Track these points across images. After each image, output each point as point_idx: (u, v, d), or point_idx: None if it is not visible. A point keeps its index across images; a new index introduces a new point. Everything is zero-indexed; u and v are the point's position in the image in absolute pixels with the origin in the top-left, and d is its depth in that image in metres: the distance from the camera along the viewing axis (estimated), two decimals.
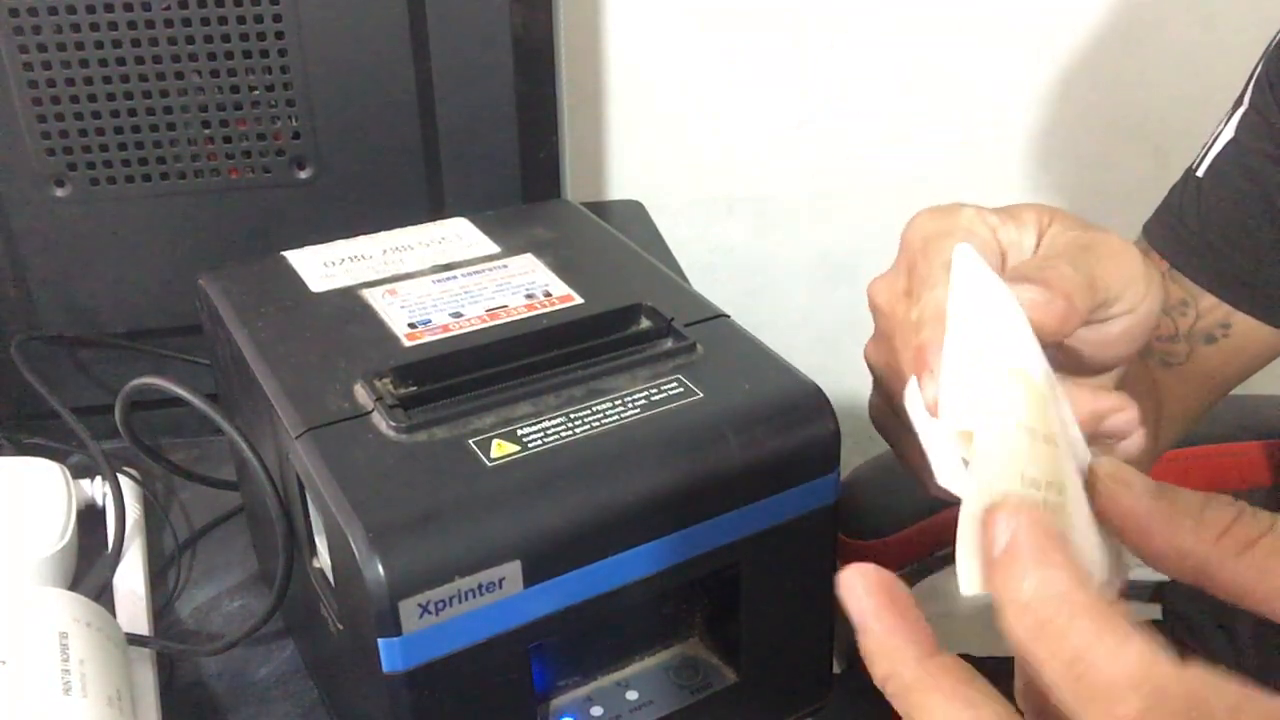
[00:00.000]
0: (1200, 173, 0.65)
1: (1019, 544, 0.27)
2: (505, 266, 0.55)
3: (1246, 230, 0.63)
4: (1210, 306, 0.64)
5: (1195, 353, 0.65)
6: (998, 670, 0.40)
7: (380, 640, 0.38)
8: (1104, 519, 0.31)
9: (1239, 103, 0.65)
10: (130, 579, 0.59)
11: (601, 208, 1.03)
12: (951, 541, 0.31)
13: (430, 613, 0.38)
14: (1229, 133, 0.64)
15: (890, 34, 1.04)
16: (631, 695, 0.47)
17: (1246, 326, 0.64)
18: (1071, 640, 0.25)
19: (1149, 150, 1.13)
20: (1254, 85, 0.64)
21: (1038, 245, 0.39)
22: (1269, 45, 0.64)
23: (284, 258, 0.56)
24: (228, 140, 0.67)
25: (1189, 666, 0.25)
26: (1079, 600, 0.26)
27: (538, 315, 0.50)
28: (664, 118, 1.05)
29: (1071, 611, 0.26)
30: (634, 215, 1.00)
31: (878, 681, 0.29)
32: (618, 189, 1.08)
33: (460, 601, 0.39)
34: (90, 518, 0.63)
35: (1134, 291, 0.38)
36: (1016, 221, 0.39)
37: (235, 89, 0.65)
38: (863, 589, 0.29)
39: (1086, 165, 1.14)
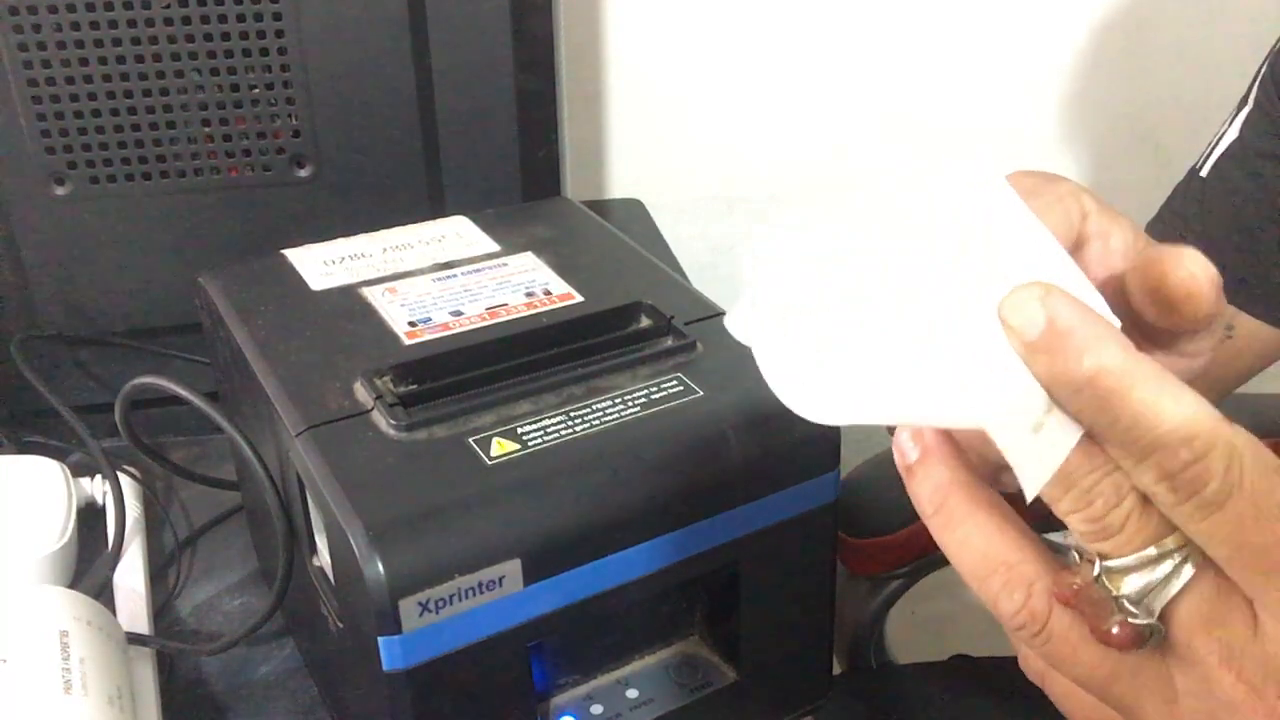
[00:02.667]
0: (1204, 173, 0.65)
1: (1065, 320, 0.26)
2: (505, 265, 0.55)
3: (1250, 231, 0.62)
4: None
5: None
6: (998, 670, 0.40)
7: (380, 638, 0.38)
8: None
9: (1243, 102, 0.65)
10: (130, 577, 0.59)
11: (601, 206, 1.03)
12: None
13: (430, 611, 0.38)
14: (1233, 133, 0.64)
15: (891, 33, 1.04)
16: (631, 693, 0.47)
17: (1251, 327, 0.64)
18: (1134, 402, 0.25)
19: (1149, 150, 1.12)
20: (1259, 85, 0.64)
21: (1123, 255, 0.37)
22: (1275, 45, 0.64)
23: (284, 256, 0.56)
24: (228, 139, 0.67)
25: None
26: (1138, 368, 0.26)
27: (538, 314, 0.50)
28: (664, 116, 1.05)
29: (1134, 379, 0.26)
30: (634, 214, 1.00)
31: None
32: (618, 188, 1.08)
33: (460, 600, 0.39)
34: (90, 516, 0.63)
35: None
36: (1112, 218, 0.38)
37: (235, 87, 0.65)
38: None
39: (1087, 165, 1.14)
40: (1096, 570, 0.28)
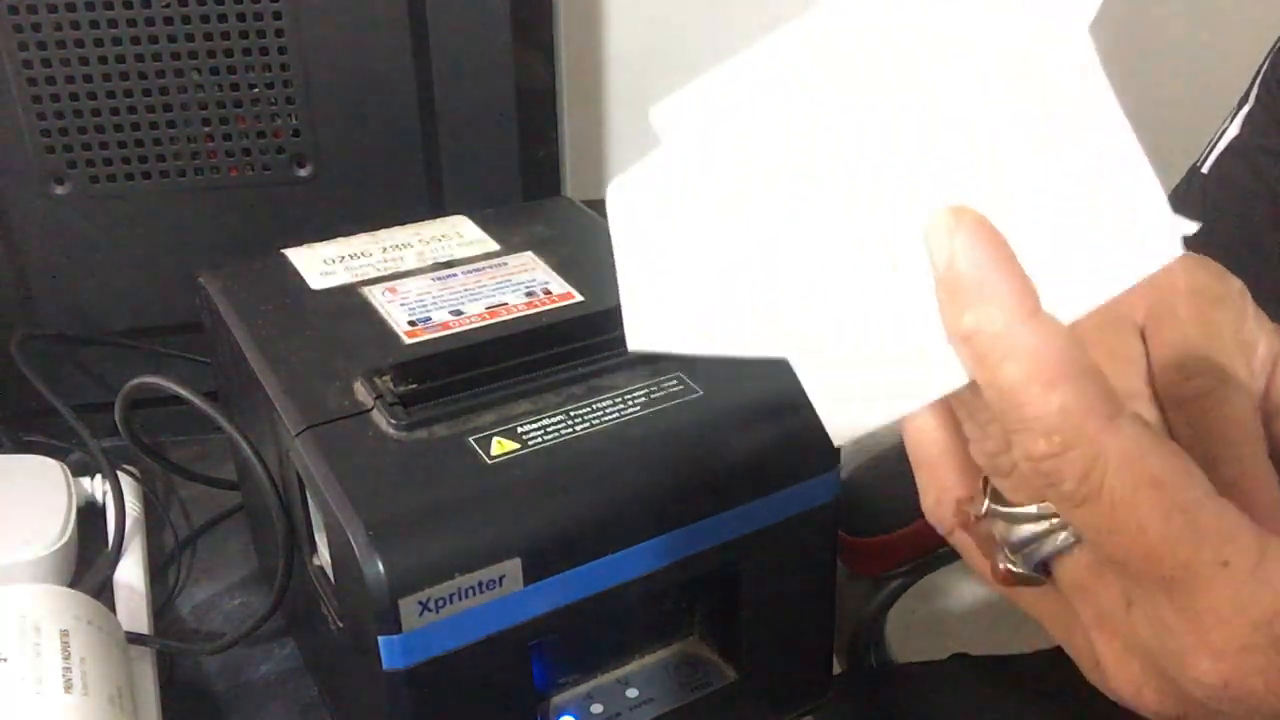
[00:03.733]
0: (1205, 170, 0.65)
1: (960, 263, 0.25)
2: (505, 264, 0.55)
3: (1253, 229, 0.62)
4: None
5: None
6: (998, 669, 0.40)
7: (380, 638, 0.38)
8: None
9: (1245, 100, 0.65)
10: (130, 577, 0.59)
11: (602, 206, 1.03)
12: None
13: (430, 610, 0.38)
14: (1234, 130, 0.64)
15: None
16: (631, 693, 0.47)
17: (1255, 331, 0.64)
18: (1003, 376, 0.25)
19: (1149, 150, 1.12)
20: (1260, 82, 0.64)
21: (1262, 366, 0.36)
22: (1276, 42, 0.64)
23: (284, 255, 0.56)
24: (228, 138, 0.66)
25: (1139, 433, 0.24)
26: (1020, 340, 0.24)
27: (538, 313, 0.50)
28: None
29: (1010, 352, 0.24)
30: None
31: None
32: None
33: (460, 599, 0.39)
34: (90, 516, 0.63)
35: None
36: (1260, 323, 0.36)
37: (235, 87, 0.65)
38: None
39: None
40: (984, 508, 0.28)
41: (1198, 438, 0.33)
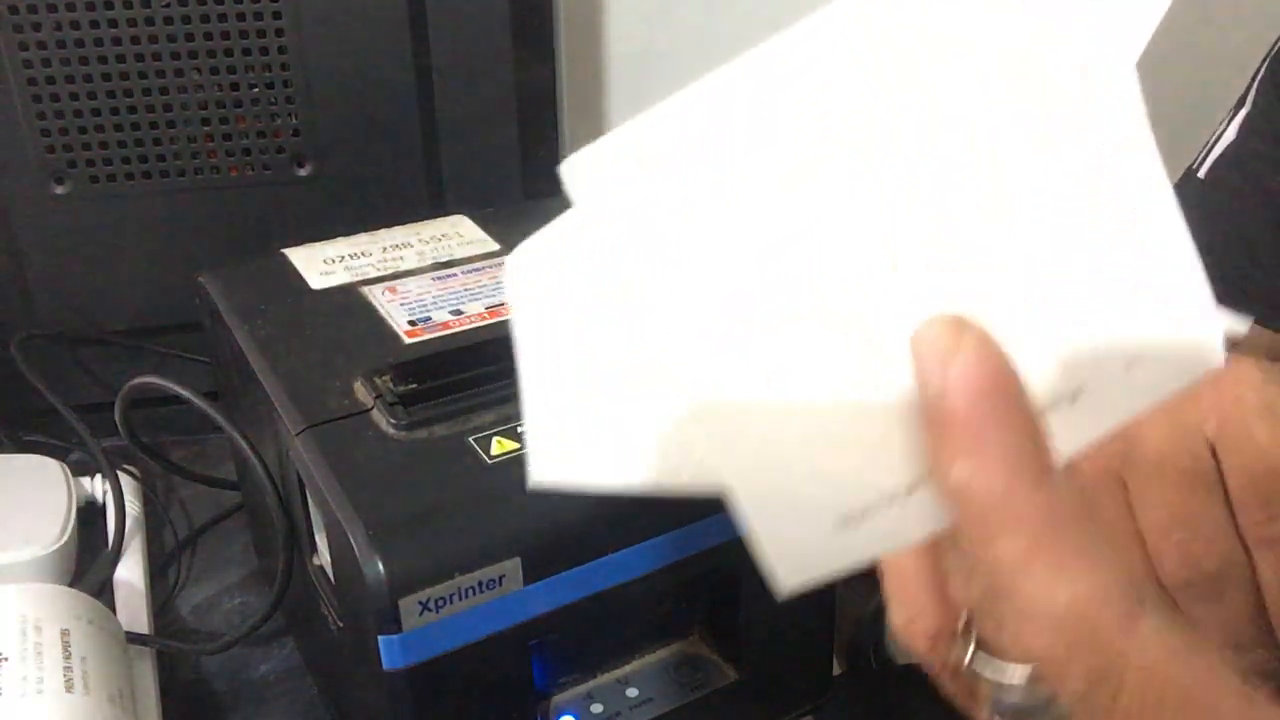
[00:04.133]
0: (1201, 174, 0.65)
1: (953, 398, 0.20)
2: (505, 264, 0.55)
3: (1249, 236, 0.62)
4: None
5: None
6: None
7: (380, 637, 0.38)
8: None
9: (1241, 103, 0.64)
10: (130, 576, 0.59)
11: None
12: None
13: (430, 610, 0.38)
14: (1231, 134, 0.64)
15: None
16: (631, 692, 0.47)
17: (1253, 333, 0.63)
18: (998, 550, 0.21)
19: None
20: (1257, 87, 0.64)
21: None
22: (1273, 46, 0.64)
23: (284, 255, 0.56)
24: (227, 138, 0.66)
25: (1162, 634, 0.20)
26: (1023, 507, 0.20)
27: None
28: None
29: (1008, 520, 0.20)
30: None
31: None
32: None
33: (460, 599, 0.39)
34: (90, 515, 0.63)
35: None
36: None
37: (235, 86, 0.65)
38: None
39: None
40: (968, 657, 0.24)
41: None
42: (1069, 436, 0.22)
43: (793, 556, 0.23)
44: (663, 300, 0.21)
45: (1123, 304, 0.22)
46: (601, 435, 0.23)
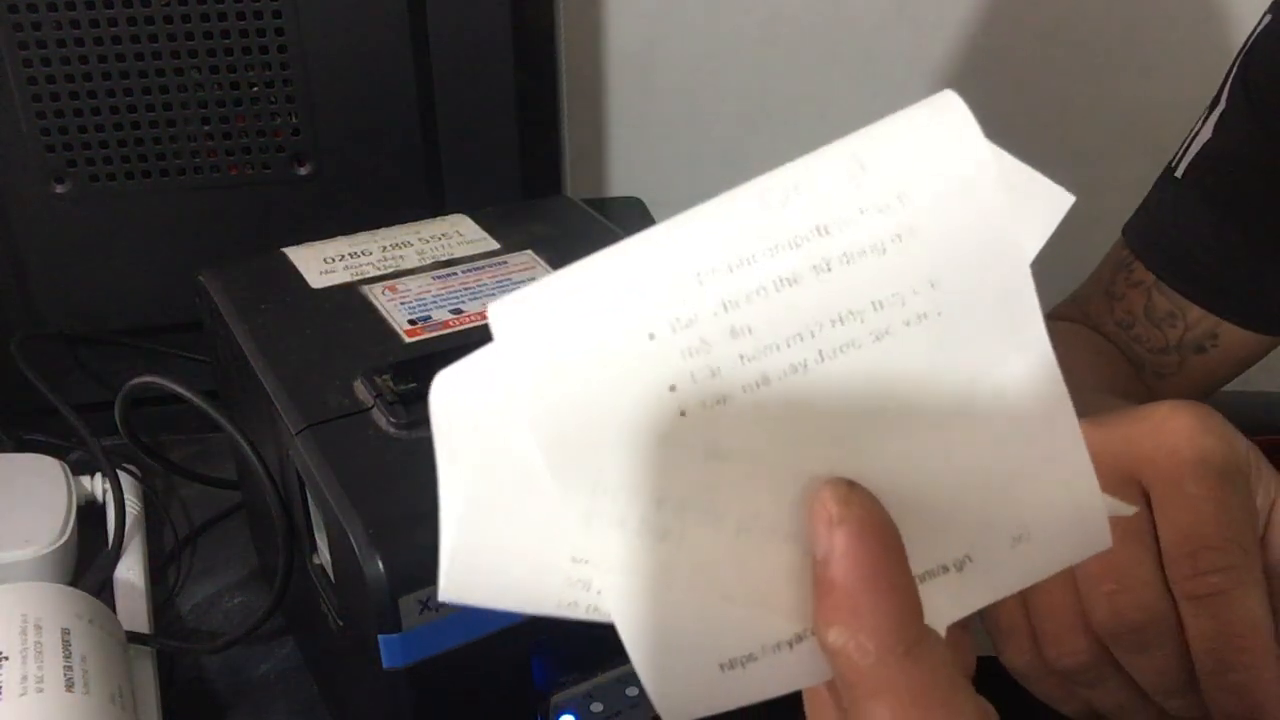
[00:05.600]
0: (1179, 173, 0.64)
1: (837, 568, 0.22)
2: (505, 263, 0.55)
3: (1222, 236, 0.62)
4: (1198, 318, 0.63)
5: (1186, 363, 0.65)
6: (998, 669, 0.40)
7: (380, 636, 0.38)
8: None
9: (1216, 101, 0.64)
10: (130, 575, 0.59)
11: (602, 204, 1.03)
12: None
13: (430, 609, 0.38)
14: (1206, 133, 0.64)
15: (892, 34, 1.04)
16: (631, 692, 0.47)
17: (1234, 334, 0.63)
18: (870, 716, 0.22)
19: (1149, 150, 1.12)
20: (1229, 85, 0.63)
21: (1266, 524, 0.35)
22: (1244, 44, 0.64)
23: (284, 254, 0.56)
24: (227, 137, 0.66)
25: None
26: (900, 677, 0.21)
27: None
28: (665, 114, 1.05)
29: (874, 688, 0.21)
30: (634, 212, 1.00)
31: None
32: (618, 186, 1.08)
33: None
34: (90, 514, 0.63)
35: None
36: (1263, 479, 0.34)
37: (235, 85, 0.65)
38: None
39: (1087, 165, 1.14)
40: None
41: (1209, 636, 0.32)
42: (953, 603, 0.23)
43: (676, 694, 0.23)
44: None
45: (1012, 481, 0.23)
46: (507, 563, 0.24)
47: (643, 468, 0.22)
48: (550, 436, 0.22)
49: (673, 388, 0.22)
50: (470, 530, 0.24)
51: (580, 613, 0.24)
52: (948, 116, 0.22)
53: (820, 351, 0.22)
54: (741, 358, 0.22)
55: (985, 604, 0.24)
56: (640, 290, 0.22)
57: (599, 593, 0.24)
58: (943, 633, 0.23)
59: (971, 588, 0.23)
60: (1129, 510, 0.24)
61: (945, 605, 0.23)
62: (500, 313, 0.23)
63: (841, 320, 0.22)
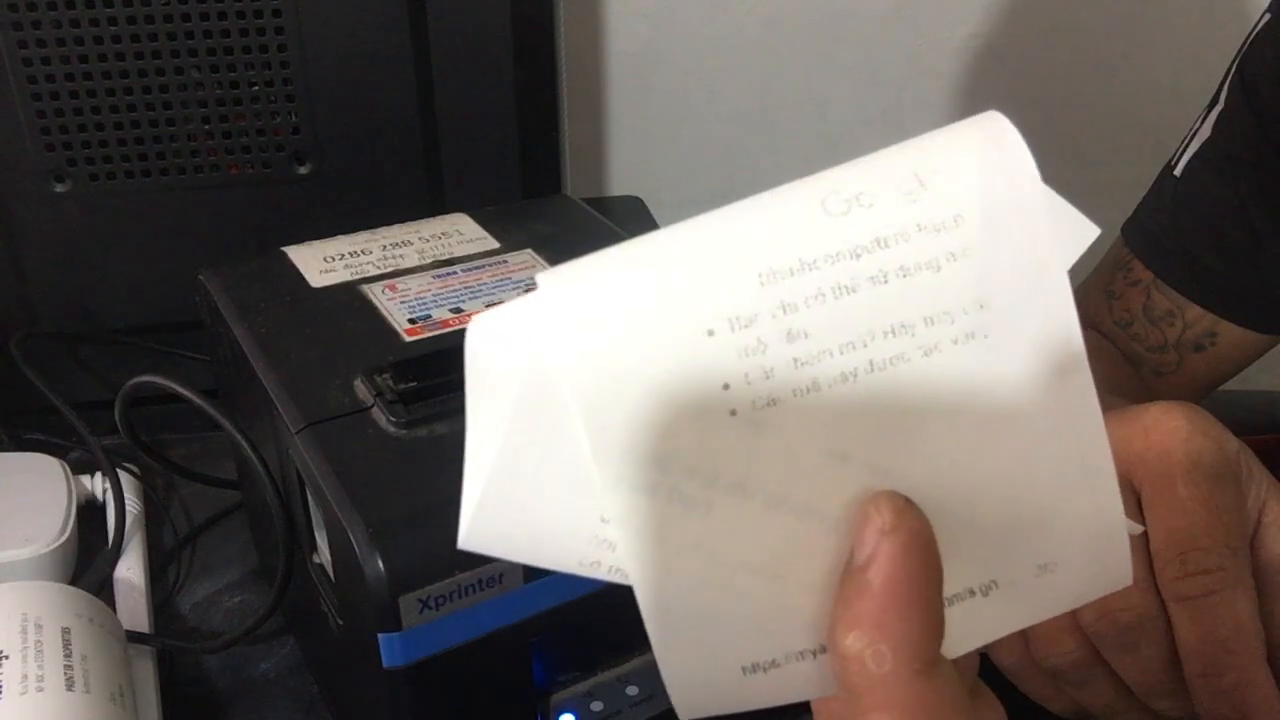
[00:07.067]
0: (1178, 172, 0.64)
1: (878, 583, 0.22)
2: (505, 262, 0.55)
3: (1220, 235, 0.62)
4: (1197, 316, 0.64)
5: (1185, 361, 0.65)
6: (998, 669, 0.40)
7: (380, 636, 0.38)
8: None
9: (1215, 100, 0.64)
10: (130, 574, 0.59)
11: (602, 203, 1.03)
12: None
13: (430, 608, 0.38)
14: (1205, 132, 0.64)
15: (891, 33, 1.04)
16: (631, 690, 0.47)
17: (1233, 333, 0.63)
18: None
19: (1149, 150, 1.12)
20: (1228, 85, 0.63)
21: (1256, 526, 0.35)
22: (1243, 44, 0.64)
23: (284, 253, 0.56)
24: (227, 136, 0.66)
25: None
26: (902, 694, 0.22)
27: None
28: (665, 113, 1.05)
29: (883, 700, 0.22)
30: (634, 211, 1.00)
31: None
32: (618, 185, 1.08)
33: (460, 597, 0.39)
34: (90, 513, 0.63)
35: None
36: (1255, 481, 0.35)
37: (235, 84, 0.65)
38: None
39: (1087, 165, 1.14)
40: None
41: (1197, 638, 0.32)
42: (976, 628, 0.24)
43: (695, 691, 0.24)
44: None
45: (1043, 507, 0.23)
46: (533, 516, 0.24)
47: (683, 446, 0.22)
48: (593, 410, 0.22)
49: (726, 386, 0.22)
50: (498, 479, 0.24)
51: (602, 573, 0.24)
52: (1004, 141, 0.22)
53: (871, 361, 0.22)
54: (796, 361, 0.22)
55: (1007, 632, 0.24)
56: (701, 284, 0.22)
57: (618, 560, 0.24)
58: (959, 654, 0.23)
59: (995, 614, 0.24)
60: (1139, 529, 0.24)
61: (968, 629, 0.24)
62: (551, 285, 0.23)
63: (894, 333, 0.22)
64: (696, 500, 0.23)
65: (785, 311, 0.22)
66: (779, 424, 0.22)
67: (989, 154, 0.22)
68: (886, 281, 0.22)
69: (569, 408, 0.22)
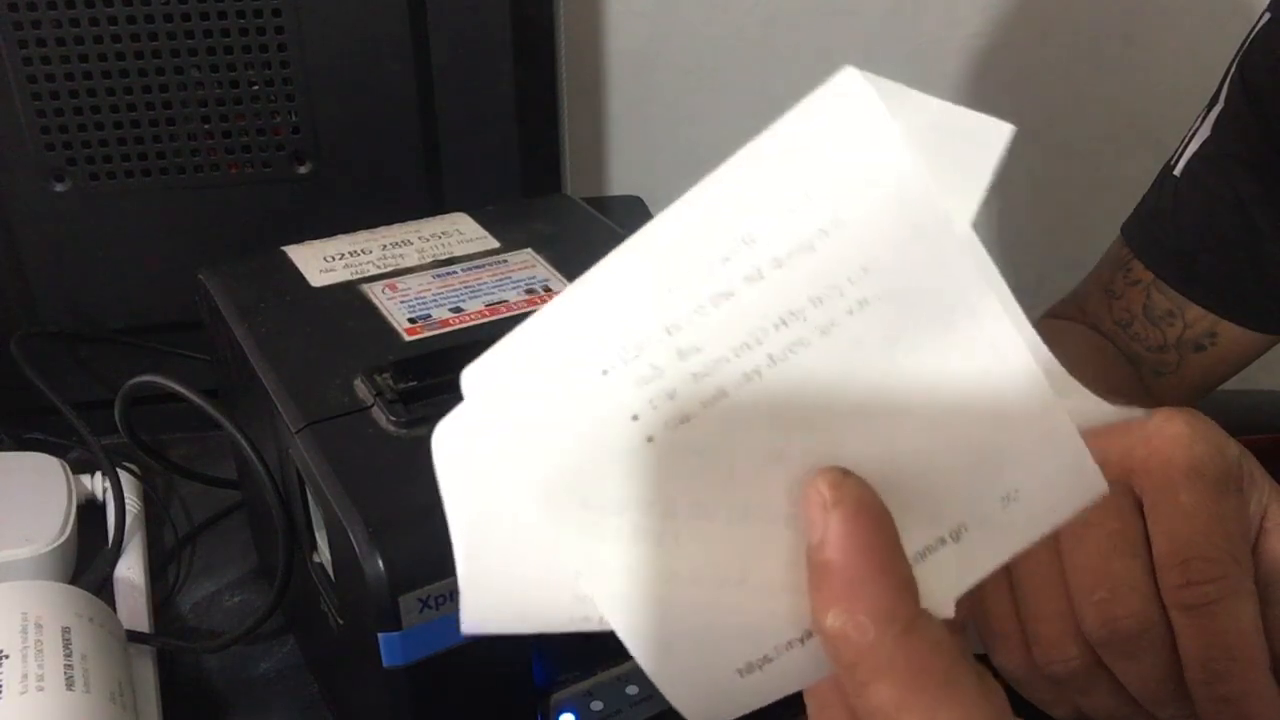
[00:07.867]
0: (1177, 171, 0.64)
1: (832, 550, 0.22)
2: (505, 262, 0.55)
3: (1220, 235, 0.62)
4: (1197, 316, 0.64)
5: (1185, 360, 0.65)
6: (998, 669, 0.40)
7: (380, 635, 0.38)
8: None
9: (1215, 100, 0.64)
10: (130, 574, 0.59)
11: (601, 203, 1.03)
12: None
13: (430, 608, 0.38)
14: (1205, 131, 0.64)
15: (891, 33, 1.04)
16: (631, 690, 0.47)
17: (1233, 333, 0.63)
18: (875, 698, 0.22)
19: (1149, 150, 1.12)
20: (1228, 84, 0.63)
21: (1258, 533, 0.35)
22: (1243, 43, 0.64)
23: (284, 253, 0.56)
24: (227, 135, 0.66)
25: None
26: (902, 657, 0.22)
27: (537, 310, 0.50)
28: (665, 113, 1.05)
29: (876, 669, 0.22)
30: (634, 211, 1.00)
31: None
32: (618, 184, 1.08)
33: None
34: (90, 513, 0.63)
35: None
36: (1256, 487, 0.35)
37: (235, 84, 0.65)
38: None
39: (1087, 165, 1.14)
40: None
41: (1200, 646, 0.32)
42: (958, 574, 0.24)
43: (699, 700, 0.24)
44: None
45: (993, 446, 0.23)
46: (517, 590, 0.25)
47: (625, 484, 0.23)
48: (533, 478, 0.23)
49: (635, 417, 0.23)
50: (479, 565, 0.25)
51: (594, 625, 0.25)
52: (850, 100, 0.22)
53: (770, 355, 0.22)
54: (695, 376, 0.23)
55: (990, 570, 0.24)
56: (587, 331, 0.23)
57: (605, 604, 0.24)
58: (952, 606, 0.23)
59: (973, 555, 0.24)
60: (1125, 415, 0.24)
61: (951, 577, 0.24)
62: (471, 376, 0.25)
63: (784, 322, 0.22)
64: (661, 533, 0.23)
65: (670, 333, 0.23)
66: (704, 439, 0.23)
67: (836, 117, 0.23)
68: (762, 276, 0.22)
69: (522, 486, 0.23)
